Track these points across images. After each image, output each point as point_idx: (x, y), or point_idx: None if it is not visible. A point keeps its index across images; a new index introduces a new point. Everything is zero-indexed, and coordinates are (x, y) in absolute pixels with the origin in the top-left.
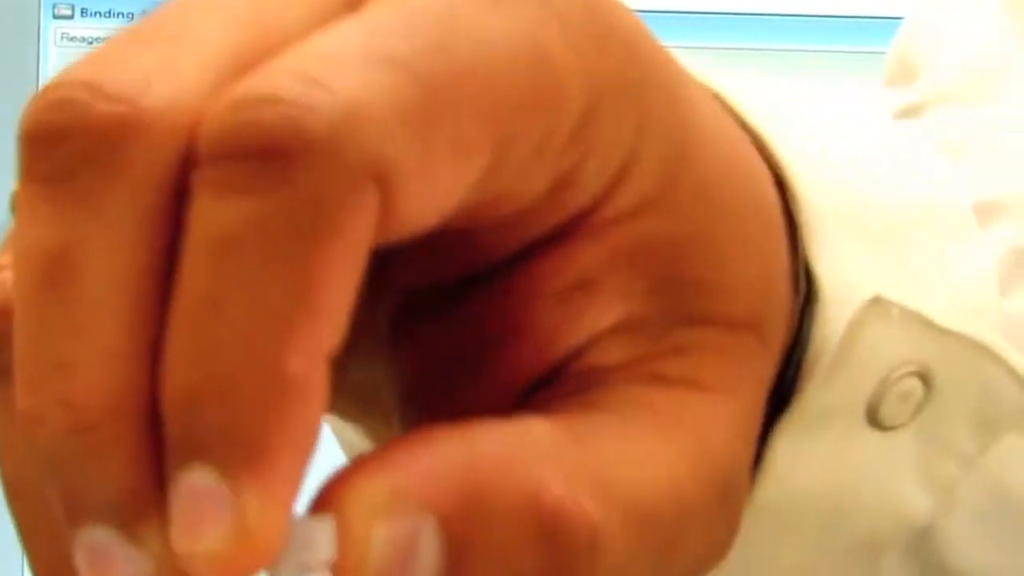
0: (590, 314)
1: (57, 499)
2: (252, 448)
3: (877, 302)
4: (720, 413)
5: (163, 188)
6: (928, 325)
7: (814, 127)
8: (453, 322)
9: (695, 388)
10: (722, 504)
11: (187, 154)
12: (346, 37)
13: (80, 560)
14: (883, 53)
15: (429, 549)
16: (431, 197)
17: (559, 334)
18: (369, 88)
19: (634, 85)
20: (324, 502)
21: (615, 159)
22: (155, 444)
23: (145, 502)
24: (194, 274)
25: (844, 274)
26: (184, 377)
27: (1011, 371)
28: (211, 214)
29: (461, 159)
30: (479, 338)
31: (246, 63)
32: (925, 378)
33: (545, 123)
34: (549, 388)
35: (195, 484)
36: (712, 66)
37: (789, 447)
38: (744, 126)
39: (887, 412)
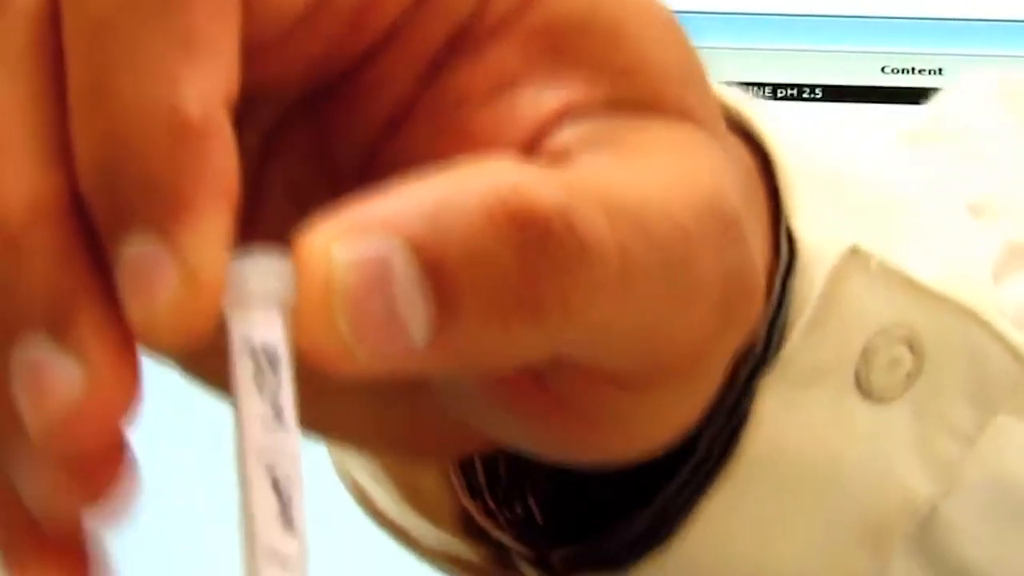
0: (525, 107)
1: None
2: (173, 198)
3: (856, 253)
4: (695, 156)
5: (40, 17)
6: (911, 284)
7: (797, 122)
8: (406, 161)
9: (660, 146)
10: (726, 234)
11: None
12: None
13: (16, 384)
14: (879, 53)
15: (406, 274)
16: None
17: (502, 133)
18: None
19: None
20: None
21: None
22: (82, 246)
23: (74, 304)
24: (77, 60)
25: (825, 234)
26: (92, 157)
27: (1001, 339)
28: (76, 5)
29: None
30: (426, 156)
31: None
32: (913, 346)
33: None
34: None
35: (134, 254)
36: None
37: (777, 402)
38: (726, 107)
39: (877, 381)
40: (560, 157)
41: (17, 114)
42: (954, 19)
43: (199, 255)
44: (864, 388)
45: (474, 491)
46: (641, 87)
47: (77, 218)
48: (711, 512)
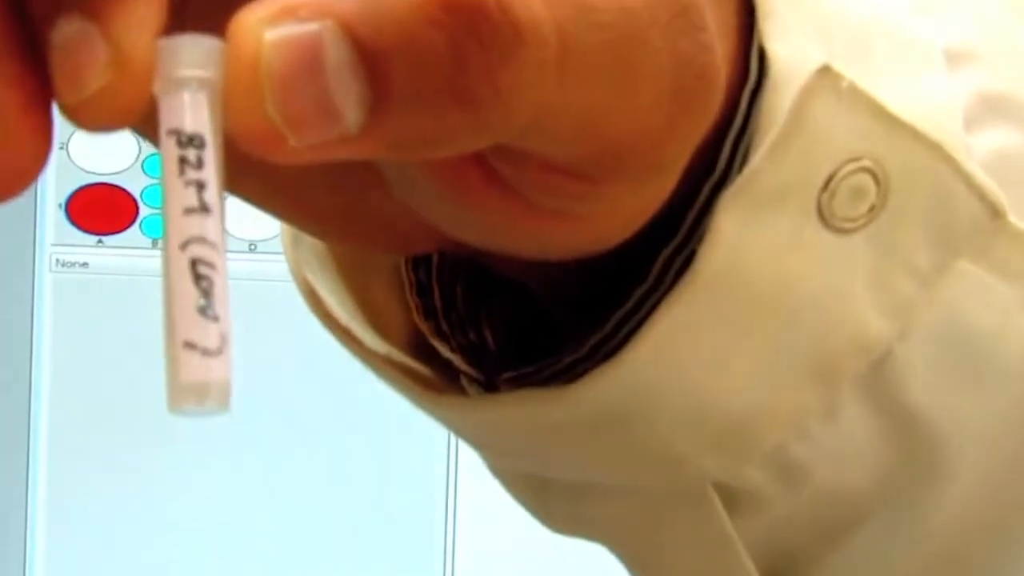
0: None
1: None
2: None
3: (827, 73)
4: None
5: None
6: (880, 112)
7: None
8: None
9: None
10: (684, 16)
11: None
12: None
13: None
14: None
15: (337, 55)
16: None
17: None
18: None
19: None
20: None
21: None
22: (12, 22)
23: None
24: None
25: (799, 57)
26: None
27: (968, 179)
28: None
29: None
30: None
31: None
32: (878, 177)
33: None
34: None
35: (65, 36)
36: None
37: (736, 220)
38: None
39: (839, 209)
40: None
41: None
42: None
43: (129, 37)
44: (825, 216)
45: (428, 313)
46: None
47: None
48: (661, 329)
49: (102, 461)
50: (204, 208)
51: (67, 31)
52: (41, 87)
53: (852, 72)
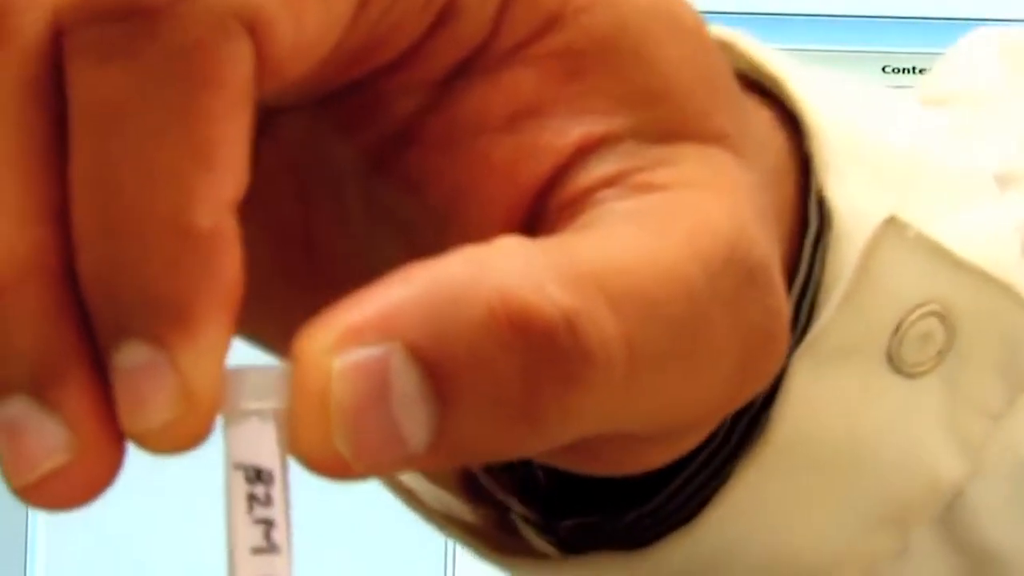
0: (548, 138)
1: None
2: (175, 310)
3: (892, 223)
4: (720, 199)
5: (40, 58)
6: (946, 257)
7: (831, 86)
8: (413, 187)
9: (688, 187)
10: (751, 284)
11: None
12: None
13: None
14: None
15: (405, 379)
16: (303, 40)
17: (524, 165)
18: None
19: None
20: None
21: None
22: (71, 307)
23: (59, 366)
24: (83, 150)
25: (859, 205)
26: (95, 256)
27: None
28: (87, 83)
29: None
30: (447, 188)
31: None
32: (945, 320)
33: None
34: (536, 229)
35: (130, 363)
36: None
37: (808, 378)
38: (758, 70)
39: (908, 355)
40: (573, 212)
41: (7, 165)
42: (954, 19)
43: (198, 368)
44: (895, 363)
45: None
46: (667, 112)
47: (68, 280)
48: (738, 491)
49: None
50: (273, 548)
51: (132, 358)
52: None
53: (913, 214)
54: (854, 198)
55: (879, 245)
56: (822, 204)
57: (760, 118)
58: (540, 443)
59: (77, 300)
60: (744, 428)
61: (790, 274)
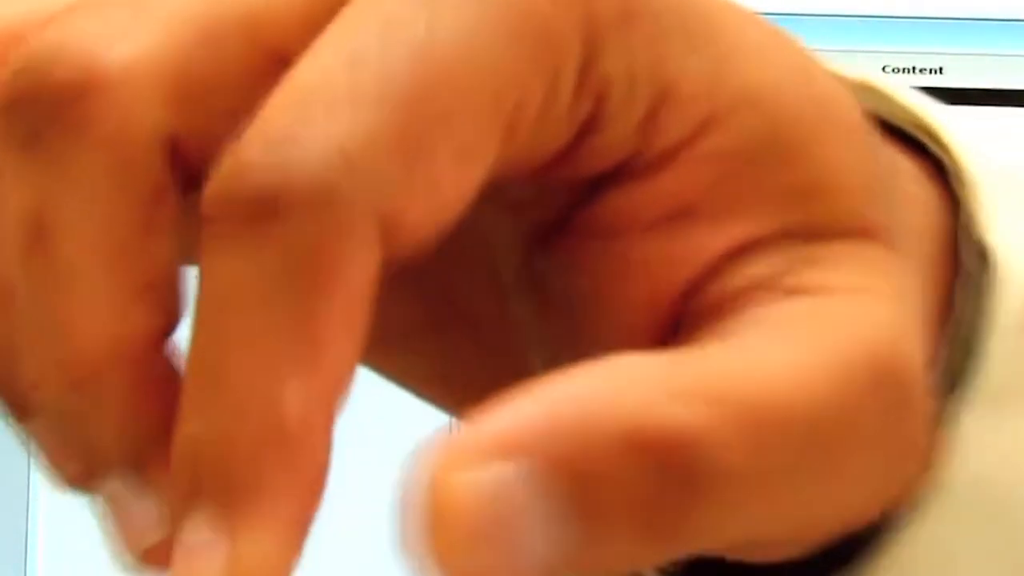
0: (698, 240)
1: (77, 459)
2: (246, 492)
3: None
4: (872, 306)
5: (132, 142)
6: None
7: (981, 128)
8: (564, 271)
9: (839, 292)
10: (902, 404)
11: (162, 104)
12: (327, 71)
13: (107, 511)
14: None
15: (537, 500)
16: (438, 206)
17: (671, 267)
18: (354, 129)
19: (637, 13)
20: (412, 477)
21: (639, 91)
22: (159, 388)
23: (149, 446)
24: (202, 329)
25: (1018, 246)
26: (189, 428)
27: None
28: (214, 267)
29: (466, 160)
30: (592, 284)
31: (215, 26)
32: None
33: (546, 82)
34: (680, 330)
35: (190, 535)
36: None
37: (978, 427)
38: (903, 110)
39: None
40: (720, 315)
41: (94, 244)
42: (954, 19)
43: (258, 555)
44: None
45: None
46: (820, 210)
47: (157, 361)
48: (912, 547)
49: None
50: None
51: (195, 530)
52: None
53: None
54: (1010, 237)
55: None
56: (976, 246)
57: (905, 173)
58: (671, 555)
59: (167, 377)
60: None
61: (939, 318)
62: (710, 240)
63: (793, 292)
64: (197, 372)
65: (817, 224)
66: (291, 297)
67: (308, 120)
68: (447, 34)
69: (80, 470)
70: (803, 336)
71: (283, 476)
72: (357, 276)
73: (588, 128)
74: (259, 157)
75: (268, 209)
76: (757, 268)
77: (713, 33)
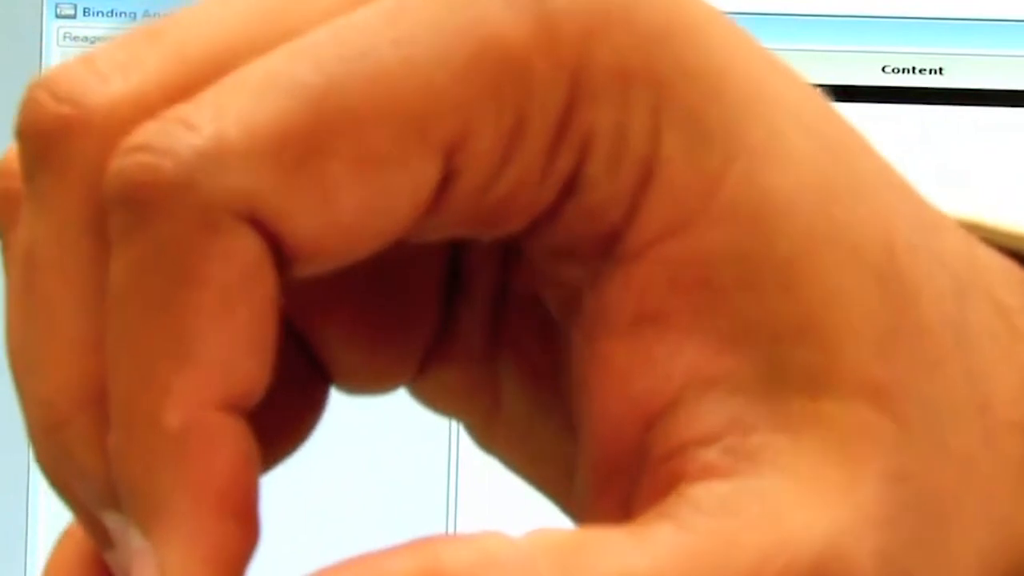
0: (665, 354)
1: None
2: (149, 505)
3: None
4: (822, 501)
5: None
6: None
7: None
8: (576, 353)
9: (789, 475)
10: None
11: None
12: (269, 59)
13: (108, 556)
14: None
15: None
16: (335, 214)
17: (640, 378)
18: (242, 121)
19: (652, 73)
20: None
21: (626, 155)
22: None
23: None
24: (109, 323)
25: None
26: (113, 436)
27: None
28: (112, 261)
29: (370, 170)
30: (580, 379)
31: (222, 59)
32: None
33: (507, 117)
34: (639, 477)
35: (132, 542)
36: None
37: None
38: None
39: None
40: (664, 477)
41: (71, 286)
42: (954, 19)
43: (172, 564)
44: None
45: None
46: (807, 353)
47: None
48: None
49: None
50: None
51: (127, 540)
52: None
53: None
54: None
55: None
56: None
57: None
58: None
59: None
60: None
61: None
62: (672, 359)
63: (740, 460)
64: (109, 370)
65: (805, 368)
66: (159, 293)
67: (207, 107)
68: (388, 45)
69: (73, 505)
70: (729, 534)
71: (177, 485)
72: (228, 271)
73: (571, 187)
74: (133, 152)
75: (135, 200)
76: (713, 416)
77: (737, 127)
